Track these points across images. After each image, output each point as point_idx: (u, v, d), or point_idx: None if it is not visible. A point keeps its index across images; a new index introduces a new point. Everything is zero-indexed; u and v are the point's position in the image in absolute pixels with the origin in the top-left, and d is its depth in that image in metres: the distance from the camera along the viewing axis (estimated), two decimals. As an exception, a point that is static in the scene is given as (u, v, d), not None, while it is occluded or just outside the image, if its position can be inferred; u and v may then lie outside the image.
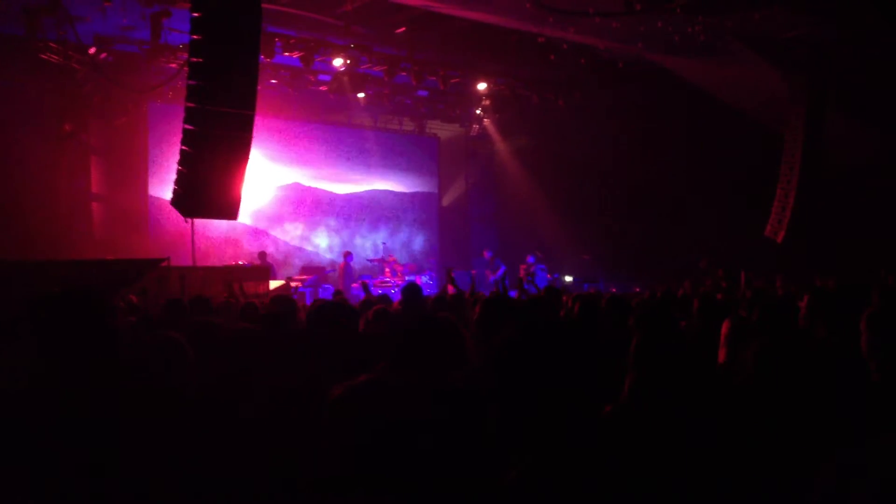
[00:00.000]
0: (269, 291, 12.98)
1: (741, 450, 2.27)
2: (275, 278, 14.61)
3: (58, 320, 2.41)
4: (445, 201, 21.67)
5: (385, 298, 9.12)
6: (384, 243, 19.04)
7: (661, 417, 2.39)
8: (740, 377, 2.63)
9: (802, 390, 2.42)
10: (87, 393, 2.31)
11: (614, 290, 15.54)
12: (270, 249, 17.63)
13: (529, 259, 17.48)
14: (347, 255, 16.99)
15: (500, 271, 17.49)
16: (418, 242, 20.69)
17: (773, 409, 2.46)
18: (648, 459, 2.26)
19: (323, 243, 18.74)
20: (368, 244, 19.34)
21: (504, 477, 1.96)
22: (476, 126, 21.00)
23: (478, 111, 19.89)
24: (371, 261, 18.10)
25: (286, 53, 14.34)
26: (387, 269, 17.45)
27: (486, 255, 18.36)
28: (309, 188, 18.57)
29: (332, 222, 18.99)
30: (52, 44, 12.90)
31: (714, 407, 2.50)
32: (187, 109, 10.13)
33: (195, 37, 9.88)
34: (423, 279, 17.32)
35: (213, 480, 2.39)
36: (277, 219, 17.97)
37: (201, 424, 2.62)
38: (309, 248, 18.44)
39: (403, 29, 14.60)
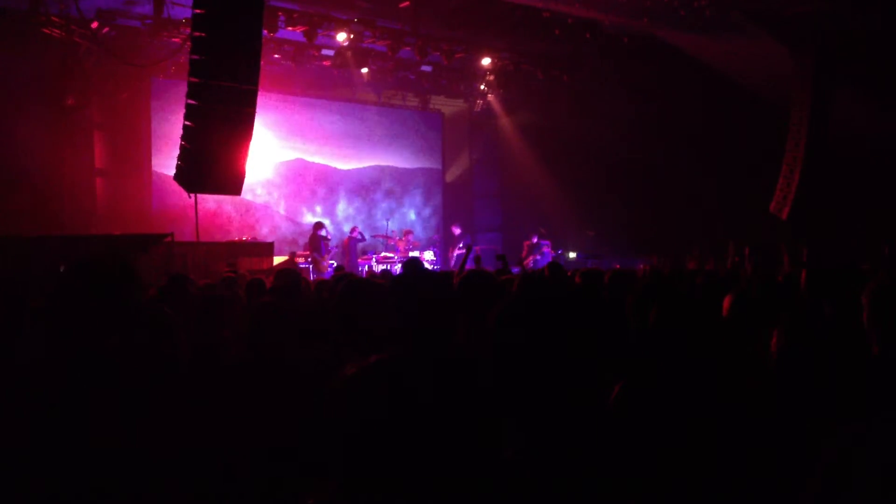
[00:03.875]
0: (272, 267, 13.02)
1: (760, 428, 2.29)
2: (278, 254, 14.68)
3: (91, 288, 2.42)
4: (449, 177, 21.62)
5: (388, 274, 9.15)
6: (387, 219, 19.03)
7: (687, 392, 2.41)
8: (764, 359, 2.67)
9: (819, 369, 2.46)
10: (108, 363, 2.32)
11: (618, 266, 15.54)
12: (273, 224, 17.65)
13: (534, 239, 17.43)
14: (353, 231, 16.97)
15: (460, 247, 17.38)
16: (422, 218, 20.67)
17: (792, 386, 2.49)
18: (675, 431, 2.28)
19: (326, 219, 18.75)
20: (372, 220, 19.32)
21: (502, 453, 1.97)
22: (480, 101, 20.90)
23: (482, 86, 19.78)
24: (374, 237, 18.09)
25: (289, 28, 14.28)
26: (390, 245, 17.45)
27: (455, 230, 18.11)
28: (312, 163, 18.53)
29: (335, 198, 18.97)
30: (54, 18, 12.86)
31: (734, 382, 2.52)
32: (190, 84, 10.11)
33: (198, 11, 9.85)
34: (426, 255, 17.30)
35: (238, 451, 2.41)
36: (280, 194, 17.96)
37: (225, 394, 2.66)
38: (312, 223, 18.42)
39: (407, 3, 14.52)
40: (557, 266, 7.45)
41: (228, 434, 2.47)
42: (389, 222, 18.85)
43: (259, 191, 17.36)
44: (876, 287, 2.74)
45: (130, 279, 2.57)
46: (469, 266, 9.36)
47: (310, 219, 18.17)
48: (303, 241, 17.70)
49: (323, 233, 15.66)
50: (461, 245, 17.33)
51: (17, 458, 2.11)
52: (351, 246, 16.68)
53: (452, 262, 15.93)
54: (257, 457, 2.48)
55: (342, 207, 19.05)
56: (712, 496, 2.21)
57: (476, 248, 17.22)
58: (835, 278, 4.10)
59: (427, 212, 20.82)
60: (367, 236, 17.47)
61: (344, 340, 3.30)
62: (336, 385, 1.75)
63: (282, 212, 17.94)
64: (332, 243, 16.06)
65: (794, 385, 2.55)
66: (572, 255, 18.18)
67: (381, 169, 19.90)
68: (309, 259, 15.51)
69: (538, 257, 16.89)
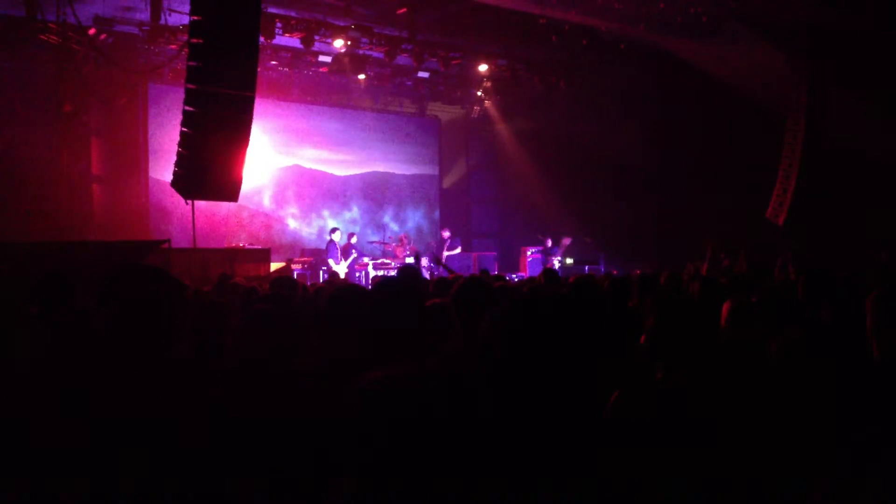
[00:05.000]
0: (269, 274, 13.00)
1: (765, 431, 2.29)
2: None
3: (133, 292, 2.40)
4: (446, 183, 21.63)
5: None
6: (384, 225, 19.01)
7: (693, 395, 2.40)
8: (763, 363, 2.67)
9: (820, 375, 2.47)
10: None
11: (615, 272, 15.54)
12: (270, 231, 17.61)
13: (548, 242, 17.38)
14: (350, 237, 16.94)
15: (457, 251, 17.27)
16: (419, 224, 20.67)
17: (795, 392, 2.50)
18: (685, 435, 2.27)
19: (323, 225, 18.74)
20: (369, 226, 19.31)
21: (506, 463, 1.97)
22: (477, 108, 20.93)
23: (479, 93, 19.83)
24: (371, 243, 18.08)
25: (286, 35, 14.28)
26: (387, 251, 17.43)
27: (444, 234, 17.96)
28: (309, 170, 18.53)
29: (333, 204, 18.97)
30: (51, 25, 12.85)
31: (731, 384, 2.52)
32: (187, 91, 10.12)
33: (195, 18, 9.85)
34: (423, 261, 17.28)
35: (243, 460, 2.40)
36: (277, 200, 17.95)
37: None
38: (309, 229, 18.43)
39: (404, 10, 14.54)
40: (553, 272, 7.45)
41: (229, 441, 2.46)
42: (386, 228, 18.84)
43: (256, 197, 17.34)
44: (880, 293, 2.76)
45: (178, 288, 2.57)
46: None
47: (304, 224, 18.22)
48: (298, 246, 17.72)
49: (336, 237, 15.61)
50: (447, 246, 17.27)
51: (29, 461, 2.10)
52: (347, 252, 16.65)
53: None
54: (255, 466, 2.47)
55: (339, 214, 19.03)
56: (712, 500, 2.20)
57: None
58: (833, 283, 4.11)
59: (424, 218, 20.82)
60: (362, 247, 17.41)
61: (330, 346, 3.30)
62: (354, 393, 1.76)
63: (279, 218, 17.93)
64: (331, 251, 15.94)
65: (793, 390, 2.54)
66: (569, 261, 18.18)
67: (379, 175, 19.91)
68: (306, 265, 15.50)
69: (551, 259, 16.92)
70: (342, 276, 14.40)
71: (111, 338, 2.37)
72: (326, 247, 15.61)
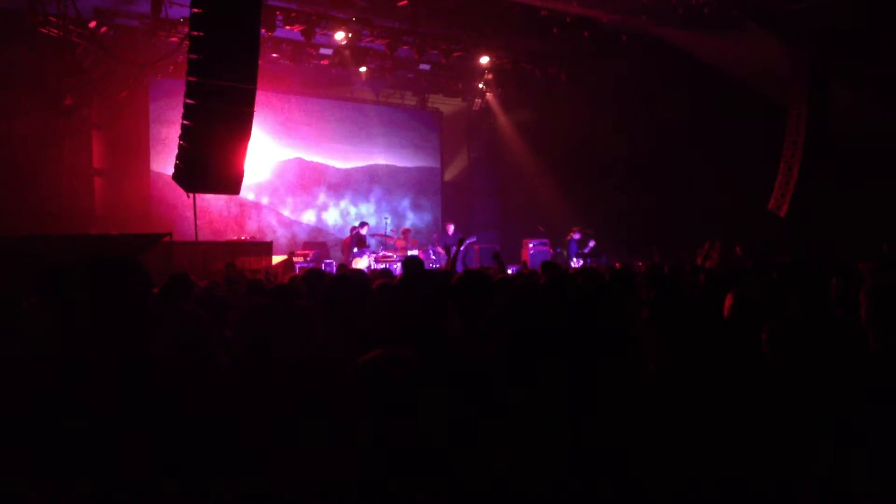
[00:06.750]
0: (271, 267, 13.00)
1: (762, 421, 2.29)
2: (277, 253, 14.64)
3: (107, 284, 2.40)
4: (448, 176, 21.60)
5: (386, 273, 9.13)
6: (386, 218, 19.01)
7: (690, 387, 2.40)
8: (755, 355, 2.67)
9: (814, 365, 2.47)
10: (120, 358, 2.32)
11: (618, 264, 15.50)
12: (272, 224, 17.61)
13: (576, 235, 17.30)
14: (353, 231, 16.91)
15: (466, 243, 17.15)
16: (420, 217, 20.66)
17: (789, 382, 2.50)
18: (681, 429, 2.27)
19: (324, 218, 18.74)
20: (370, 219, 19.29)
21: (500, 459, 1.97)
22: (479, 100, 20.89)
23: (480, 85, 19.78)
24: (373, 235, 18.07)
25: (287, 27, 14.27)
26: (389, 244, 17.42)
27: (449, 229, 17.88)
28: (310, 163, 18.52)
29: (334, 197, 18.96)
30: (52, 18, 12.83)
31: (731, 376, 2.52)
32: (188, 84, 10.10)
33: (195, 10, 9.83)
34: (424, 254, 17.25)
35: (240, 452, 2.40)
36: (279, 193, 17.94)
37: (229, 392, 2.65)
38: (310, 222, 18.43)
39: (405, 2, 14.51)
40: (551, 266, 7.44)
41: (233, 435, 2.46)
42: (388, 221, 18.82)
43: (257, 190, 17.33)
44: (874, 285, 2.76)
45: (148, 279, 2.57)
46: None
47: (305, 217, 18.23)
48: (300, 239, 17.75)
49: (364, 231, 15.67)
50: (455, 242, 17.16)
51: (31, 458, 2.10)
52: (351, 245, 16.64)
53: (445, 261, 15.85)
54: (256, 459, 2.47)
55: (340, 206, 19.03)
56: (710, 496, 2.20)
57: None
58: (806, 275, 4.12)
59: (426, 211, 20.80)
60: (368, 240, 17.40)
61: (329, 334, 3.30)
62: (351, 375, 1.77)
63: (280, 211, 17.92)
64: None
65: (786, 380, 2.55)
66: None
67: (380, 168, 19.89)
68: (308, 258, 15.49)
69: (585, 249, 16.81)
70: (366, 267, 14.47)
71: (89, 330, 2.36)
72: (354, 240, 15.67)
